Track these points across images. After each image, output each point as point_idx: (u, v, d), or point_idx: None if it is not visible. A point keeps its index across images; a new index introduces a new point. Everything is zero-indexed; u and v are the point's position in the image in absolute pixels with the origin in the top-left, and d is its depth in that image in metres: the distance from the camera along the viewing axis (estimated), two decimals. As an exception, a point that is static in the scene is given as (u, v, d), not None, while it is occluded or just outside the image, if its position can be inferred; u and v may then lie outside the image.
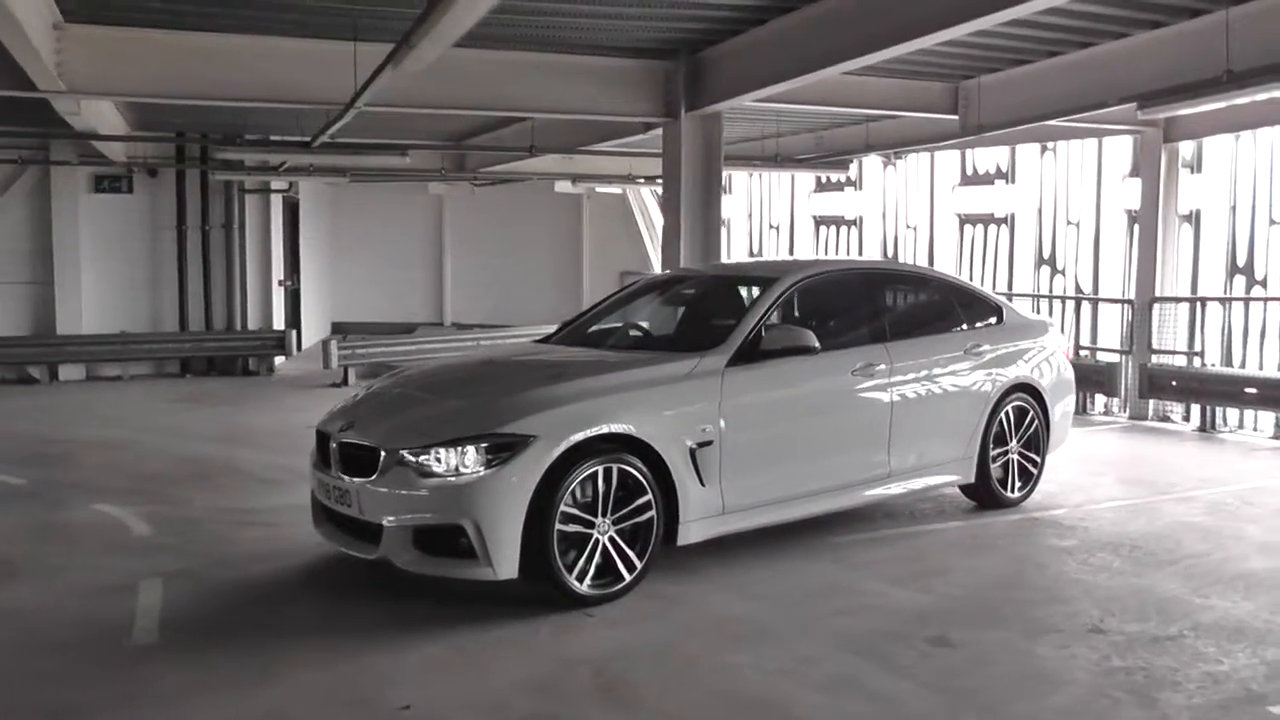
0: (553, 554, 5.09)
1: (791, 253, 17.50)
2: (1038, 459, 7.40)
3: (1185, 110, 7.67)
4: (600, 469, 5.22)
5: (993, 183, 13.92)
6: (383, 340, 15.02)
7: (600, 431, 5.24)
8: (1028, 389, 7.31)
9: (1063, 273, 13.09)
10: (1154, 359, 11.00)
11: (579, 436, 5.17)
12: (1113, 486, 8.07)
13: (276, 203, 15.85)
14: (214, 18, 7.76)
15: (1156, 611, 5.19)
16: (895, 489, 6.64)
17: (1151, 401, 11.06)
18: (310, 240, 18.55)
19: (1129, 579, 5.76)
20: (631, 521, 5.35)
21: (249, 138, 14.15)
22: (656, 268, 16.08)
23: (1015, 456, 7.26)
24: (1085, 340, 11.96)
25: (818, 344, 6.03)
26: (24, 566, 6.14)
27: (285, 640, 4.89)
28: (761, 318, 6.12)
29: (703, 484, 5.59)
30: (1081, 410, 11.62)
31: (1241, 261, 11.45)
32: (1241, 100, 7.37)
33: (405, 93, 8.30)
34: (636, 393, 5.54)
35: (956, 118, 10.36)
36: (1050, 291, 13.09)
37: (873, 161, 15.11)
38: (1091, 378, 11.34)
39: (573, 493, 5.15)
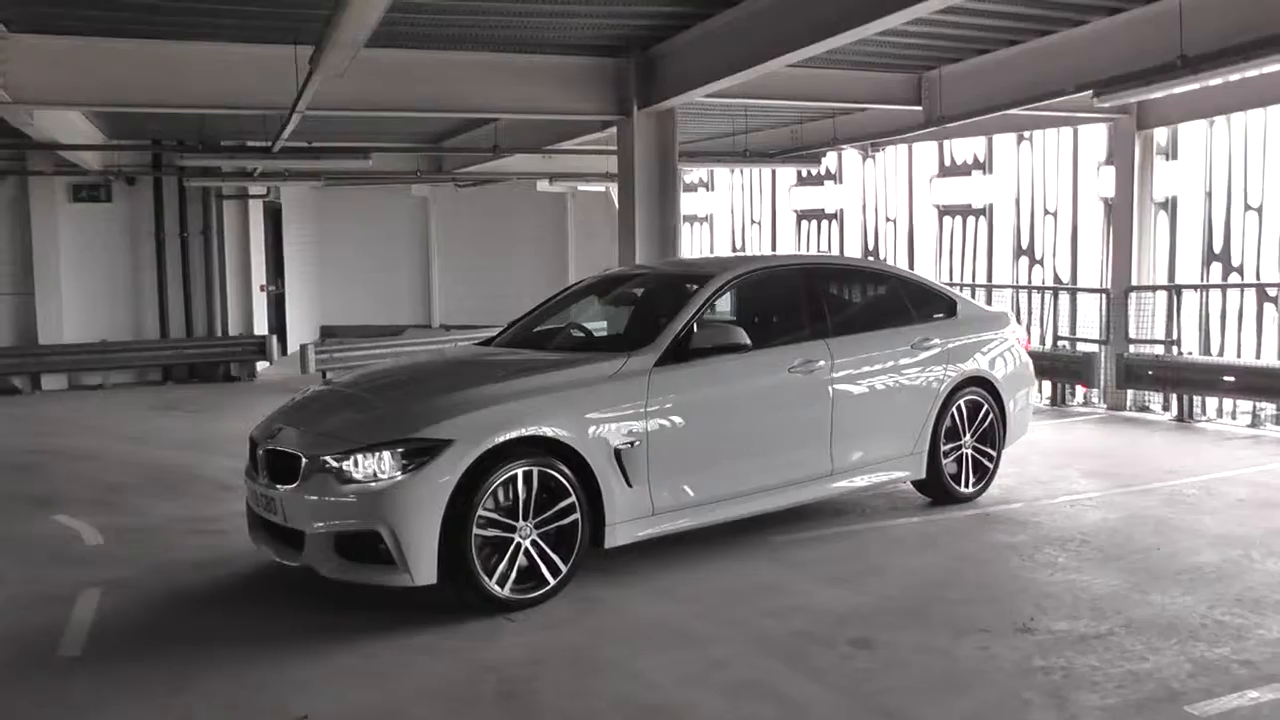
0: (471, 559, 5.02)
1: (774, 247, 17.39)
2: (993, 453, 7.28)
3: (1145, 96, 7.53)
4: (520, 472, 5.14)
5: (970, 174, 13.77)
6: (361, 343, 14.99)
7: (518, 435, 5.16)
8: (981, 382, 7.20)
9: (1041, 263, 12.93)
10: (1131, 348, 10.85)
11: (496, 440, 5.09)
12: (1076, 479, 7.94)
13: (256, 209, 15.82)
14: (154, 24, 7.70)
15: (1090, 609, 5.08)
16: (839, 486, 6.54)
17: (1130, 392, 10.92)
18: (295, 245, 18.54)
19: (1070, 575, 5.64)
20: (555, 525, 5.27)
21: (224, 144, 14.12)
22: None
23: (969, 451, 7.14)
24: (1064, 331, 11.80)
25: (748, 341, 5.95)
26: (-32, 578, 6.10)
27: (206, 649, 4.84)
28: (693, 316, 6.03)
29: (630, 485, 5.51)
30: (1060, 401, 11.52)
31: (1218, 248, 11.29)
32: (1196, 85, 7.22)
33: (352, 95, 8.26)
34: (558, 395, 5.46)
35: (921, 109, 10.23)
36: (1030, 282, 12.94)
37: (852, 155, 14.97)
38: (1069, 368, 11.23)
39: (494, 496, 5.09)
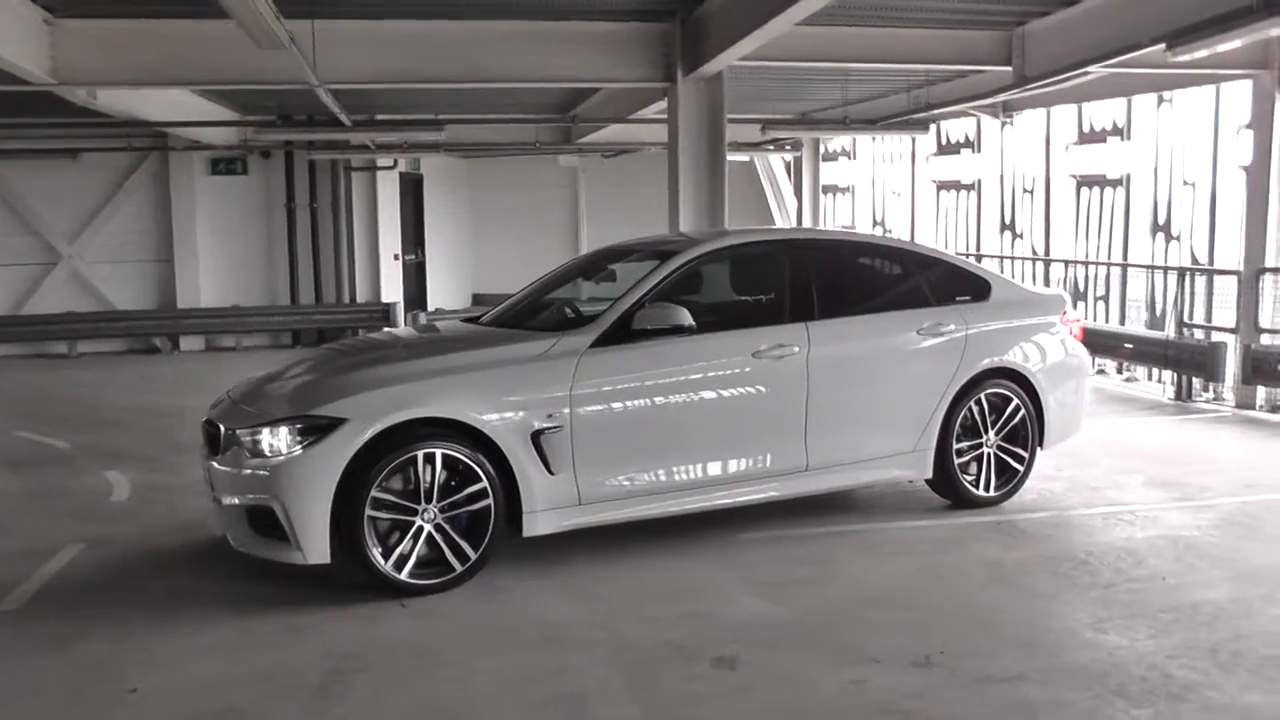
0: (363, 541, 4.94)
1: (913, 219, 16.36)
2: (1024, 454, 6.49)
3: (1218, 47, 6.40)
4: (421, 454, 4.99)
5: (1105, 140, 12.35)
6: (471, 312, 15.22)
7: (413, 416, 5.01)
8: (1011, 374, 6.43)
9: (1178, 239, 11.46)
10: (1262, 339, 9.47)
11: (390, 421, 4.97)
12: (1133, 488, 6.97)
13: (387, 180, 16.30)
14: (186, 5, 7.92)
15: (1024, 645, 4.40)
16: (816, 483, 5.99)
17: (1262, 389, 9.55)
18: (440, 215, 19.02)
19: (1033, 602, 4.95)
20: (466, 509, 5.10)
21: (355, 118, 14.62)
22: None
23: (992, 451, 6.41)
24: (1200, 318, 10.44)
25: (691, 322, 5.52)
26: (-13, 526, 6.56)
27: (114, 613, 4.97)
28: (646, 295, 5.65)
29: (551, 473, 5.24)
30: (1185, 396, 10.24)
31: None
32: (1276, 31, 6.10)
33: (383, 69, 8.25)
34: (470, 375, 5.26)
35: (1011, 69, 9.22)
36: (1165, 261, 11.52)
37: (989, 121, 13.80)
38: (1193, 360, 9.96)
39: (402, 476, 4.98)
